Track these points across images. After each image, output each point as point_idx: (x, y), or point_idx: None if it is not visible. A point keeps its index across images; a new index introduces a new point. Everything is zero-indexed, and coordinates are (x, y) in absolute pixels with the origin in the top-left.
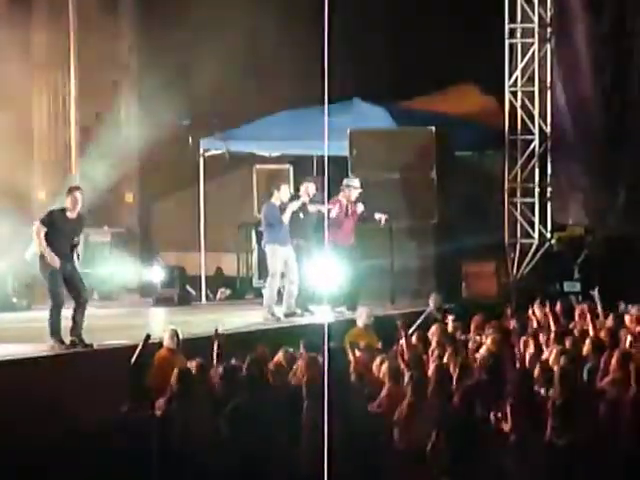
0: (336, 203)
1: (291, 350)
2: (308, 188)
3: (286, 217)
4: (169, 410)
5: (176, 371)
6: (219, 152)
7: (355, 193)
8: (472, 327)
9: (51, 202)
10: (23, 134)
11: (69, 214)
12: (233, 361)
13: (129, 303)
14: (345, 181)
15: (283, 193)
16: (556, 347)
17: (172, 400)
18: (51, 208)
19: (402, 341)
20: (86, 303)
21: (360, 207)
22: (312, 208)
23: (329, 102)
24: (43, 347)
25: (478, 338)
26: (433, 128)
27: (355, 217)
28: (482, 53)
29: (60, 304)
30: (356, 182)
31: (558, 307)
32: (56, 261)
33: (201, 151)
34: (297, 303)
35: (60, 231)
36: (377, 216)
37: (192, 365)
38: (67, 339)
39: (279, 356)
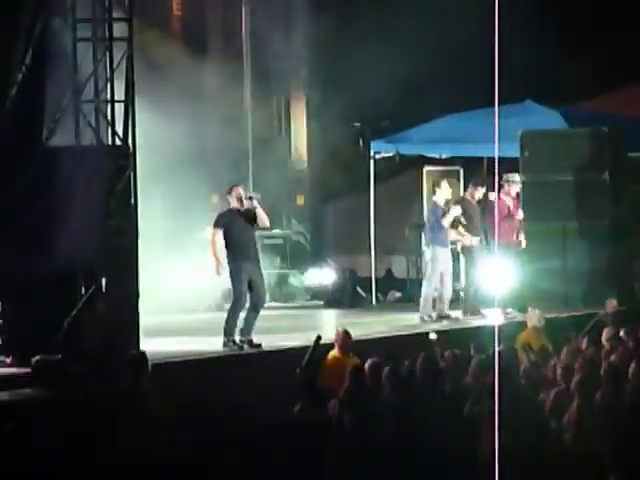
0: (499, 201)
1: (458, 352)
2: (476, 191)
3: (447, 220)
4: (341, 409)
5: (350, 370)
6: (389, 154)
7: (515, 188)
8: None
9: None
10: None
11: (239, 212)
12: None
13: (301, 305)
14: (505, 177)
15: (444, 190)
16: None
17: (345, 399)
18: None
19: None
20: (262, 307)
21: (521, 213)
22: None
23: (501, 103)
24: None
25: None
26: (606, 129)
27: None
28: None
29: (243, 305)
30: (516, 177)
31: None
32: (218, 271)
33: (372, 153)
34: (467, 306)
35: (238, 231)
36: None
37: (367, 365)
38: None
39: (448, 357)
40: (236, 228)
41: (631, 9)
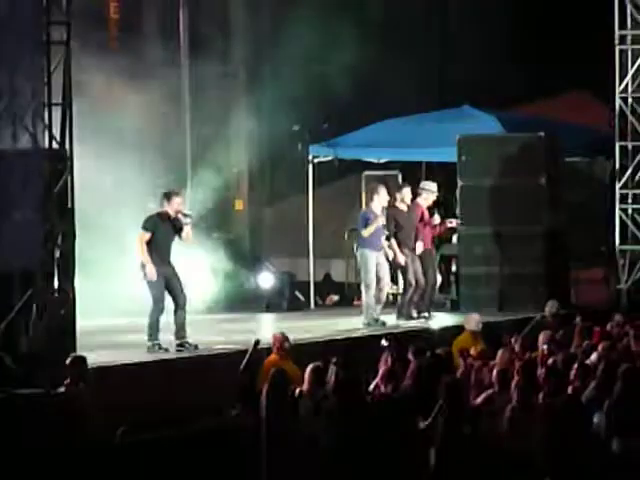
0: (418, 207)
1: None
2: (402, 194)
3: (367, 231)
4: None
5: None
6: (328, 158)
7: (432, 197)
8: (576, 334)
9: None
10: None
11: (168, 218)
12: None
13: (239, 309)
14: (422, 184)
15: (382, 197)
16: None
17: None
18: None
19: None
20: (185, 305)
21: (437, 218)
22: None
23: (438, 109)
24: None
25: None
26: (542, 134)
27: (431, 224)
28: (592, 60)
29: (161, 308)
30: (433, 186)
31: None
32: (154, 274)
33: (310, 157)
34: (401, 311)
35: (162, 236)
36: (449, 223)
37: (308, 369)
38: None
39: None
40: (161, 233)
41: (572, 16)
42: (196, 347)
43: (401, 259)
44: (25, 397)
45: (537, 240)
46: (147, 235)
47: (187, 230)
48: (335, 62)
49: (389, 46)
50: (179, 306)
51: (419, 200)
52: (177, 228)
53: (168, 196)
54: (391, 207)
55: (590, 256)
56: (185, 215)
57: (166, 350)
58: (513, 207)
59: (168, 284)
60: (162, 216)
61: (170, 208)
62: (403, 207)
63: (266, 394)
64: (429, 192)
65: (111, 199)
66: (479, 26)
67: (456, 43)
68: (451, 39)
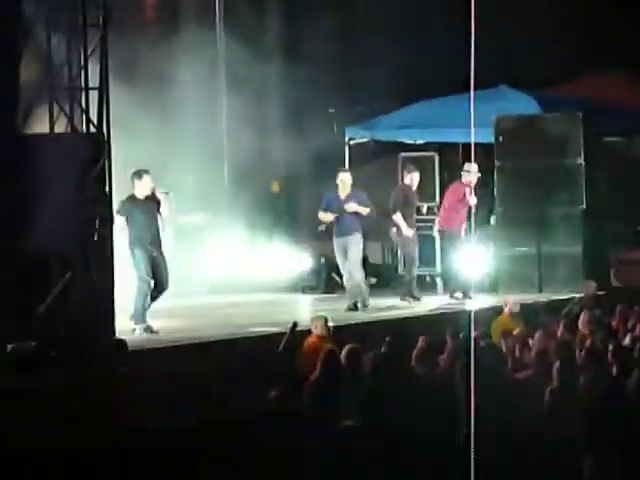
0: (457, 188)
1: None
2: (408, 177)
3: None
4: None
5: (322, 354)
6: (364, 140)
7: (470, 177)
8: (617, 315)
9: None
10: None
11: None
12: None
13: (276, 290)
14: (465, 166)
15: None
16: None
17: (315, 383)
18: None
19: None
20: (164, 291)
21: (474, 199)
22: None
23: (475, 89)
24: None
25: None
26: (580, 114)
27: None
28: (631, 38)
29: (145, 290)
30: (472, 166)
31: None
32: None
33: (346, 139)
34: (402, 290)
35: (138, 217)
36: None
37: (345, 350)
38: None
39: (421, 343)
40: (137, 214)
41: None
42: (156, 332)
43: (408, 232)
44: (64, 382)
45: (576, 221)
46: (120, 219)
47: (164, 208)
48: (368, 45)
49: (422, 26)
50: (157, 290)
51: (461, 181)
52: (156, 207)
53: (139, 174)
54: (402, 183)
55: (629, 236)
56: (165, 193)
57: (153, 332)
58: (551, 188)
59: (152, 267)
60: (135, 198)
61: (143, 187)
62: (412, 187)
63: (320, 375)
64: (466, 172)
65: None
66: (517, 6)
67: (490, 23)
68: (486, 18)
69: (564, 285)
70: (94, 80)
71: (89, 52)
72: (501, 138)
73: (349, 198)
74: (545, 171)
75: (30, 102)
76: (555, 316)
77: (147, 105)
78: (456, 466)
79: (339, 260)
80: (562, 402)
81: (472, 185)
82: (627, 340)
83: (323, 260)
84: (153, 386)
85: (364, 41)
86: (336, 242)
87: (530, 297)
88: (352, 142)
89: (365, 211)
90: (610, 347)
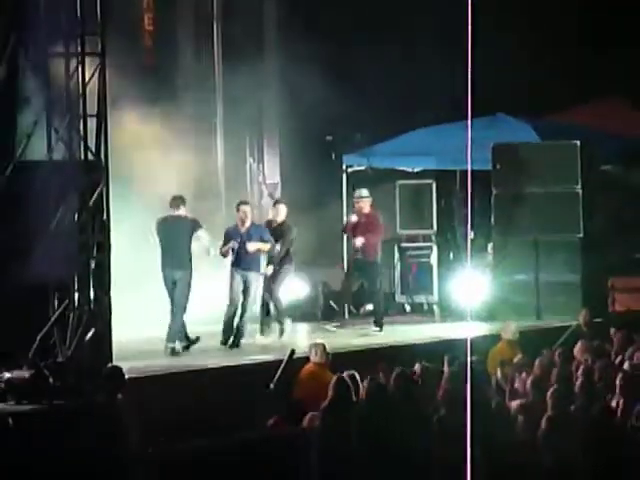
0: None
1: (429, 365)
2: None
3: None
4: (325, 421)
5: (333, 380)
6: (362, 168)
7: (361, 203)
8: (615, 343)
9: None
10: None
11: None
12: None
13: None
14: (356, 192)
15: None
16: None
17: (327, 410)
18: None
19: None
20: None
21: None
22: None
23: (472, 117)
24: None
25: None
26: (578, 142)
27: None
28: (631, 67)
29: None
30: (365, 192)
31: None
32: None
33: (344, 167)
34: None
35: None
36: None
37: (346, 377)
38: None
39: (416, 371)
40: (164, 236)
41: (610, 23)
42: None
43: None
44: (63, 409)
45: (573, 249)
46: (156, 239)
47: (203, 236)
48: (368, 72)
49: (421, 55)
50: (173, 313)
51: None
52: (189, 231)
53: (180, 201)
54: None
55: (626, 264)
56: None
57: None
58: (548, 215)
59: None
60: (167, 219)
61: (179, 211)
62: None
63: (330, 403)
64: (363, 199)
65: None
66: (513, 34)
67: (489, 50)
68: (484, 46)
69: (562, 312)
70: (92, 107)
71: (87, 79)
72: (498, 166)
73: (250, 232)
74: (543, 199)
75: (28, 129)
76: (552, 344)
77: None
78: None
79: (232, 292)
80: (558, 430)
81: (363, 211)
82: (626, 366)
83: (320, 287)
84: (150, 413)
85: (362, 69)
86: (234, 274)
87: (528, 324)
88: (350, 170)
89: (266, 247)
90: (607, 374)
